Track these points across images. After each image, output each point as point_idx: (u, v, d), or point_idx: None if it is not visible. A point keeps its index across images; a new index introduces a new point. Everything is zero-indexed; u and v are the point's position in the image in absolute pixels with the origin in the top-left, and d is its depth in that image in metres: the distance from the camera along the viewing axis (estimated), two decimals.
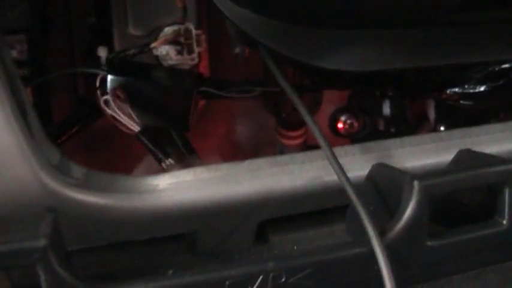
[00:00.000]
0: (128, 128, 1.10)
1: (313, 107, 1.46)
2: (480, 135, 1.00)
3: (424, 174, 0.83)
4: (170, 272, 0.80)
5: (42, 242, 0.70)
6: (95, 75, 1.12)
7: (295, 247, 0.93)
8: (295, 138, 1.48)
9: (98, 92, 1.09)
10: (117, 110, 1.08)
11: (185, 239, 0.92)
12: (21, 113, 0.78)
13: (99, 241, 0.86)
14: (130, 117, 1.09)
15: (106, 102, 1.08)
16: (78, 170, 0.83)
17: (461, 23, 1.01)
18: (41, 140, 0.80)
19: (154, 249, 0.90)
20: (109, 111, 1.08)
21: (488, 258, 0.90)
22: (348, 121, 1.50)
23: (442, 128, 1.41)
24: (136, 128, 1.10)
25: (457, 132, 1.00)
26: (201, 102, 1.40)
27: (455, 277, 0.90)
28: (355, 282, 0.81)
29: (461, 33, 1.02)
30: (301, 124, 1.46)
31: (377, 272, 0.77)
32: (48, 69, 1.26)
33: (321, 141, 0.87)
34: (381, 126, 1.46)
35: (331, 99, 1.52)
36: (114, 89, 1.09)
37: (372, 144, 0.95)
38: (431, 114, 1.44)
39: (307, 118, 0.89)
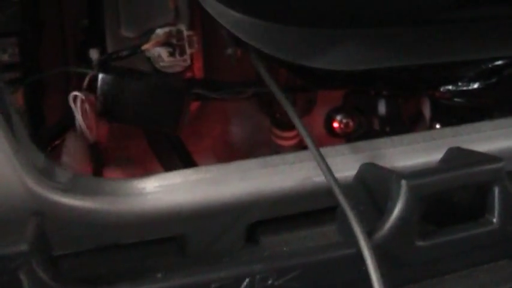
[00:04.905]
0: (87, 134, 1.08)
1: (308, 107, 1.45)
2: (471, 134, 0.99)
3: (412, 174, 0.82)
4: (158, 275, 0.79)
5: (25, 247, 0.69)
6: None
7: (285, 249, 0.92)
8: (289, 139, 1.48)
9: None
10: (79, 111, 1.06)
11: (174, 242, 0.91)
12: (4, 116, 0.77)
13: (86, 245, 0.85)
14: (91, 125, 1.08)
15: (75, 98, 1.07)
16: (63, 174, 0.82)
17: (453, 20, 1.00)
18: (25, 144, 0.80)
19: (143, 253, 0.89)
20: (73, 108, 1.07)
21: (479, 257, 0.90)
22: (344, 121, 1.50)
23: (437, 127, 1.40)
24: (90, 139, 1.09)
25: (448, 131, 0.99)
26: (196, 104, 1.40)
27: (446, 277, 0.89)
28: (343, 283, 0.81)
29: (452, 31, 1.02)
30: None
31: (365, 272, 0.76)
32: (41, 72, 1.25)
33: (307, 141, 0.86)
34: (376, 125, 1.46)
35: (326, 99, 1.51)
36: (89, 94, 1.07)
37: (362, 144, 0.95)
38: (427, 113, 1.44)
39: (293, 116, 0.89)
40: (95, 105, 1.07)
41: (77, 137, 1.09)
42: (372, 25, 0.99)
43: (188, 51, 1.18)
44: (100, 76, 1.10)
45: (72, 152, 1.09)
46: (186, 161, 1.29)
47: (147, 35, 1.19)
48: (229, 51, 1.28)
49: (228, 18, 0.92)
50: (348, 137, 1.50)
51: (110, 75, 1.10)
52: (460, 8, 0.97)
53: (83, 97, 1.05)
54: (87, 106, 1.05)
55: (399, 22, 0.99)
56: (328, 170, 0.83)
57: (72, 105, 1.05)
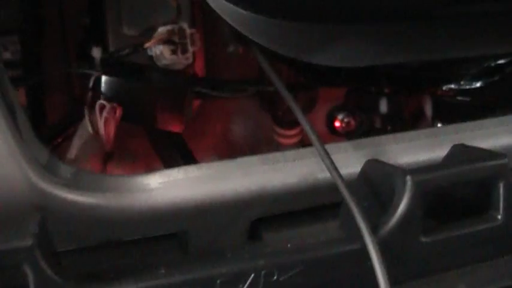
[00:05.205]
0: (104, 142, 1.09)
1: (309, 105, 1.45)
2: (474, 130, 0.99)
3: (417, 169, 0.82)
4: (161, 271, 0.79)
5: (29, 242, 0.69)
6: (90, 76, 1.11)
7: (288, 245, 0.92)
8: (291, 137, 1.48)
9: (90, 92, 1.09)
10: (102, 119, 1.07)
11: (177, 239, 0.91)
12: (9, 112, 0.77)
13: (89, 241, 0.85)
14: (109, 135, 1.08)
15: (102, 107, 1.07)
16: (67, 169, 0.82)
17: (455, 16, 1.00)
18: (29, 139, 0.80)
19: (146, 249, 0.89)
20: (98, 117, 1.07)
21: (483, 253, 0.89)
22: (345, 119, 1.50)
23: (439, 125, 1.40)
24: (107, 147, 1.09)
25: (451, 128, 0.99)
26: (197, 102, 1.40)
27: (450, 273, 0.89)
28: (348, 279, 0.81)
29: (454, 27, 1.01)
30: (297, 123, 1.45)
31: (370, 268, 0.76)
32: (43, 70, 1.25)
33: (312, 138, 0.86)
34: (378, 124, 1.46)
35: (327, 98, 1.51)
36: (116, 107, 1.08)
37: (365, 141, 0.94)
38: (429, 111, 1.44)
39: (297, 113, 0.88)
40: (120, 116, 1.08)
41: (92, 141, 1.10)
42: (374, 21, 0.98)
43: (190, 49, 1.18)
44: (103, 79, 1.10)
45: (87, 152, 1.10)
46: (188, 160, 1.29)
47: (148, 33, 1.18)
48: (231, 49, 1.28)
49: (232, 14, 0.92)
50: (349, 135, 1.50)
51: (113, 78, 1.10)
52: (462, 3, 0.96)
53: (110, 107, 1.05)
54: (111, 117, 1.06)
55: (401, 18, 0.99)
56: (333, 166, 0.83)
57: (98, 114, 1.06)
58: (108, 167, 1.26)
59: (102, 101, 1.06)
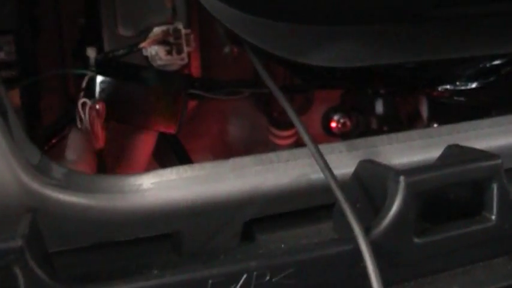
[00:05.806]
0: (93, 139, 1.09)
1: (305, 106, 1.45)
2: (469, 131, 0.99)
3: (410, 170, 0.82)
4: (153, 272, 0.79)
5: (19, 243, 0.68)
6: (85, 77, 1.11)
7: (282, 246, 0.92)
8: (287, 138, 1.48)
9: (82, 93, 1.08)
10: (87, 118, 1.06)
11: (170, 240, 0.91)
12: (0, 111, 0.77)
13: (82, 242, 0.84)
14: (97, 132, 1.08)
15: (83, 104, 1.07)
16: (58, 170, 0.82)
17: (450, 17, 1.00)
18: (20, 140, 0.79)
19: (138, 250, 0.89)
20: (81, 114, 1.07)
21: (476, 254, 0.89)
22: (341, 120, 1.50)
23: (435, 126, 1.39)
24: (97, 145, 1.09)
25: (445, 128, 0.99)
26: (193, 103, 1.40)
27: (444, 274, 0.88)
28: (341, 280, 0.80)
29: (449, 28, 1.01)
30: (292, 124, 1.45)
31: (363, 269, 0.75)
32: (38, 71, 1.25)
33: (305, 138, 0.85)
34: (374, 124, 1.46)
35: (324, 99, 1.51)
36: (98, 102, 1.07)
37: (359, 141, 0.94)
38: (424, 112, 1.43)
39: (290, 113, 0.88)
40: (103, 112, 1.07)
41: (83, 139, 1.09)
42: (369, 21, 0.98)
43: (185, 49, 1.18)
44: (98, 79, 1.10)
45: (79, 153, 1.10)
46: (184, 161, 1.29)
47: (144, 33, 1.18)
48: (227, 49, 1.28)
49: (226, 15, 0.92)
50: (345, 136, 1.50)
51: (107, 78, 1.10)
52: (457, 4, 0.96)
53: (92, 104, 1.05)
54: (95, 113, 1.05)
55: (395, 19, 0.99)
56: (326, 166, 0.82)
57: (81, 112, 1.05)
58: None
59: (84, 99, 1.06)
